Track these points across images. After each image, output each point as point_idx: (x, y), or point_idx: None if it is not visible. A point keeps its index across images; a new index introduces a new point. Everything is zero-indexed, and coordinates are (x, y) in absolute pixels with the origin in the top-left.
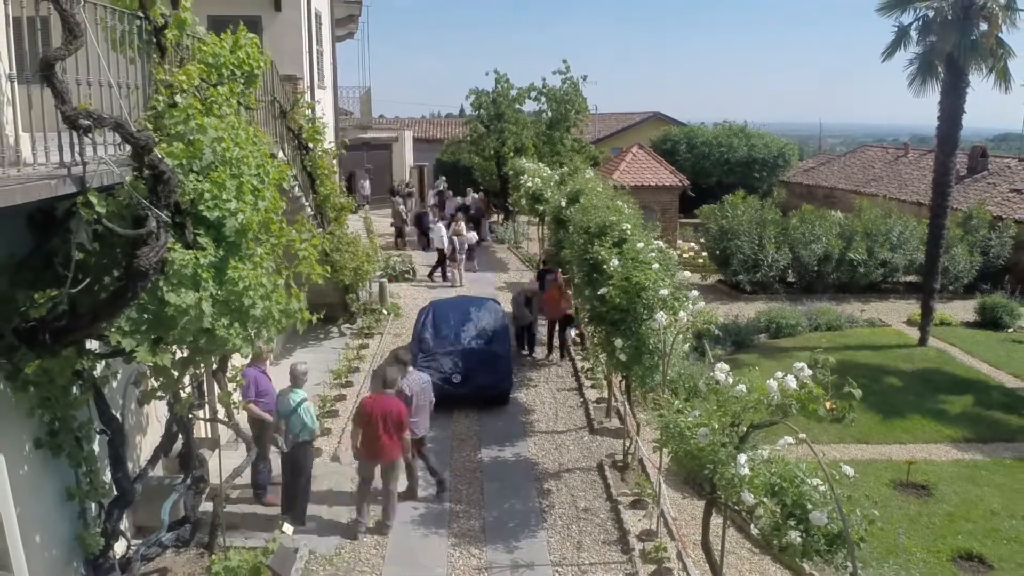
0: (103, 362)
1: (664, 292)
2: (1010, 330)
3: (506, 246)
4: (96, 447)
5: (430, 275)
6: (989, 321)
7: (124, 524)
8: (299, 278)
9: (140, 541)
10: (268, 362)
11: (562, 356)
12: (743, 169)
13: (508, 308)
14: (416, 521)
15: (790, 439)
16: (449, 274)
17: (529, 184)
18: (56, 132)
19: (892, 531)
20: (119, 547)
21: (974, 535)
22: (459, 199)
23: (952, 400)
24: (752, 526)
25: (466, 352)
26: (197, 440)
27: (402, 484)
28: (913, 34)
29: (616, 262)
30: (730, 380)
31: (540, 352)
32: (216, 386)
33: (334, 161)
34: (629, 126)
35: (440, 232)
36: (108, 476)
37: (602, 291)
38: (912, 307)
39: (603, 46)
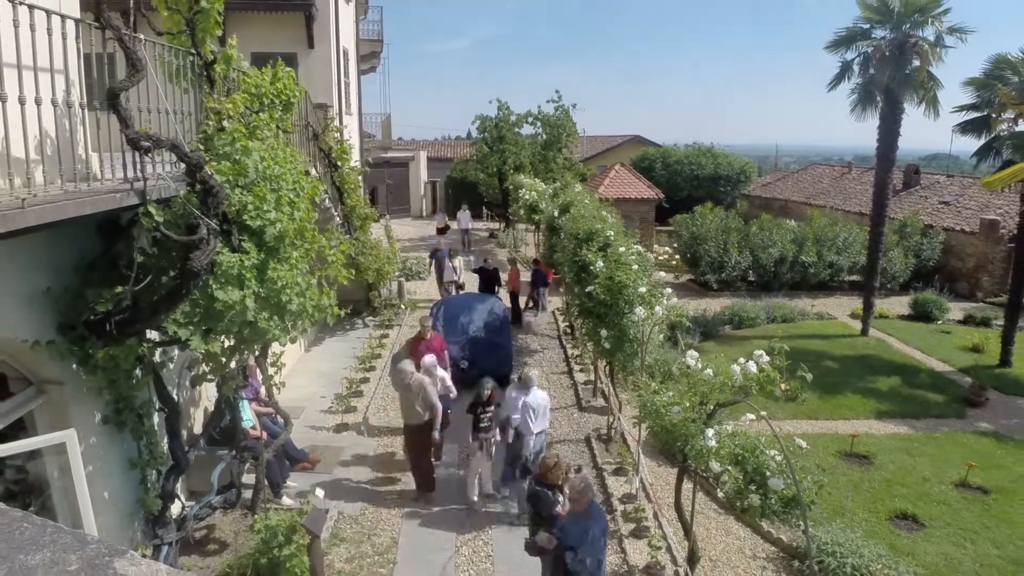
0: (161, 349)
1: (642, 289)
2: (939, 322)
3: (507, 250)
4: (155, 422)
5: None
6: (921, 314)
7: (179, 488)
8: (329, 278)
9: (192, 503)
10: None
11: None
12: (710, 184)
13: (509, 304)
14: None
15: (751, 416)
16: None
17: (527, 197)
18: (121, 152)
19: (838, 495)
20: (175, 508)
21: (908, 498)
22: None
23: (889, 382)
24: (718, 490)
25: (472, 341)
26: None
27: None
28: (855, 68)
29: (601, 264)
30: (699, 365)
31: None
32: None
33: (359, 177)
34: (612, 147)
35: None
36: (165, 447)
37: (589, 289)
38: (855, 302)
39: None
